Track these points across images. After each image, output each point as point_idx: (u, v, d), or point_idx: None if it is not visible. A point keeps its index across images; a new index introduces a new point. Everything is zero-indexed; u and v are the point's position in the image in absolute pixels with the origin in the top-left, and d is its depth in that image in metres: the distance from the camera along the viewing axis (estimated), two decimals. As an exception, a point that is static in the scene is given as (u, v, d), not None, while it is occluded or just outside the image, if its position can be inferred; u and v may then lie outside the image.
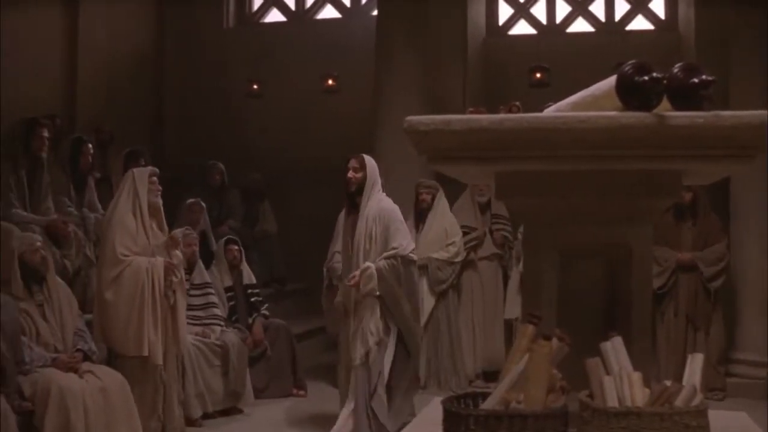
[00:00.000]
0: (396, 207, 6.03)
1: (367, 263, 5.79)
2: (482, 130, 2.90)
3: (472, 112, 3.83)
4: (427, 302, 7.72)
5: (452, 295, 7.87)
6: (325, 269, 7.68)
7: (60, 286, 5.72)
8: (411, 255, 5.93)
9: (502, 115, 3.07)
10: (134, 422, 5.52)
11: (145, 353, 5.73)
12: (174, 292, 5.94)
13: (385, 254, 5.78)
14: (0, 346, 5.00)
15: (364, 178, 5.90)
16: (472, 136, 2.90)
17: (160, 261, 5.85)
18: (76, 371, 5.33)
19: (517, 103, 8.28)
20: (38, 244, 5.64)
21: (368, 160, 5.99)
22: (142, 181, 5.96)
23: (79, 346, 5.53)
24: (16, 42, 9.20)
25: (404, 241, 5.88)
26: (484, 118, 2.96)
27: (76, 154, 7.15)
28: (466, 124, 2.92)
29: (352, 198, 5.99)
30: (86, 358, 5.52)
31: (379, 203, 5.90)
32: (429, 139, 2.93)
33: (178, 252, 6.10)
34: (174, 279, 5.91)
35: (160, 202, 6.08)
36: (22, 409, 5.01)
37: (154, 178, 6.09)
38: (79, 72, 10.27)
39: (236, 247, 7.54)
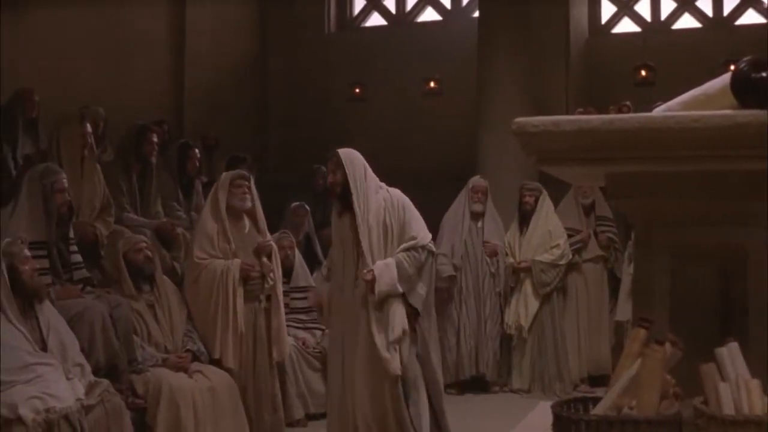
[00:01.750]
0: (401, 192, 5.39)
1: (379, 262, 5.07)
2: (592, 130, 2.85)
3: (581, 113, 3.72)
4: (531, 305, 7.65)
5: (557, 297, 7.75)
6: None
7: (169, 288, 5.87)
8: (431, 245, 5.29)
9: (612, 116, 3.01)
10: (241, 421, 5.61)
11: (216, 356, 5.74)
12: (268, 297, 5.95)
13: (404, 245, 5.13)
14: (114, 345, 5.17)
15: (344, 176, 5.17)
16: (581, 137, 2.86)
17: (236, 263, 5.79)
18: (185, 371, 5.46)
19: (627, 103, 8.15)
20: (142, 244, 5.79)
21: (344, 155, 5.26)
22: (223, 186, 5.97)
23: (188, 347, 5.65)
24: (126, 52, 9.50)
25: (422, 231, 5.25)
26: (594, 118, 2.92)
27: (182, 159, 7.31)
28: (576, 125, 2.87)
29: (344, 199, 5.23)
30: (195, 358, 5.64)
31: (386, 193, 5.30)
32: (538, 141, 2.90)
33: (266, 260, 5.96)
34: (266, 284, 5.90)
35: (248, 205, 5.99)
36: (135, 407, 5.17)
37: (240, 182, 6.00)
38: (186, 79, 10.54)
39: None
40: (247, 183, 6.02)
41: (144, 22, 9.88)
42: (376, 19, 12.39)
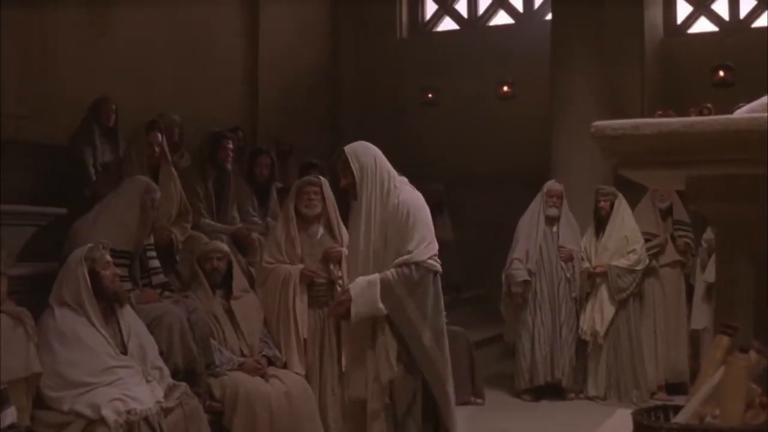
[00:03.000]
0: (419, 196, 4.72)
1: (361, 278, 4.47)
2: (673, 133, 2.80)
3: (660, 115, 3.63)
4: (607, 311, 7.55)
5: (633, 303, 7.63)
6: (503, 276, 7.67)
7: (246, 293, 5.93)
8: (431, 262, 4.48)
9: (693, 118, 2.95)
10: (317, 426, 5.64)
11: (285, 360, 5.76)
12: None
13: (397, 260, 4.43)
14: (192, 349, 5.25)
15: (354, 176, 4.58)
16: (662, 140, 2.81)
17: (297, 268, 5.79)
18: (262, 375, 5.51)
19: (709, 105, 7.96)
20: (213, 254, 5.83)
21: (350, 152, 4.63)
22: (292, 193, 6.00)
23: (264, 352, 5.70)
24: (202, 59, 9.65)
25: (422, 244, 4.46)
26: (675, 121, 2.86)
27: (252, 165, 7.35)
28: (656, 128, 2.82)
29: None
30: (270, 363, 5.69)
31: (396, 198, 4.57)
32: (618, 144, 2.85)
33: (333, 266, 5.87)
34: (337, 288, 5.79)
35: (316, 211, 5.90)
36: (212, 409, 5.24)
37: (308, 188, 5.93)
38: (260, 86, 10.66)
39: None
40: (315, 189, 5.94)
41: (218, 30, 10.03)
42: (448, 24, 12.39)
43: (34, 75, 7.57)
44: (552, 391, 7.65)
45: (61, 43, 7.96)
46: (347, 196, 4.80)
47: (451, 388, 4.56)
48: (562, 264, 7.65)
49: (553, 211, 7.74)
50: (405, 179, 4.76)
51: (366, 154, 4.63)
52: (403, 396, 4.42)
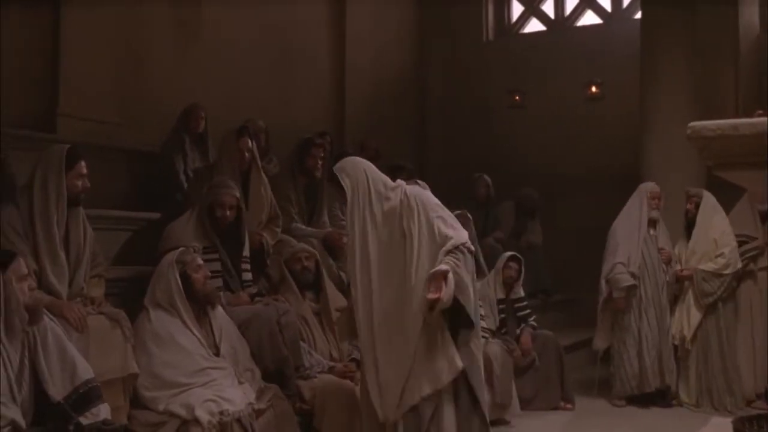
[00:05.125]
0: (425, 187, 4.84)
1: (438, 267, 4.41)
2: (774, 133, 2.74)
3: (760, 115, 3.53)
4: (694, 315, 7.36)
5: (723, 308, 7.38)
6: (603, 280, 7.53)
7: (336, 296, 5.98)
8: (468, 245, 4.60)
9: (796, 118, 2.88)
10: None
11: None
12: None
13: (445, 248, 4.47)
14: (282, 351, 5.31)
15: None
16: (762, 141, 2.74)
17: None
18: (351, 379, 5.53)
19: (776, 107, 7.73)
20: (301, 254, 5.92)
21: (337, 170, 4.70)
22: None
23: (353, 356, 5.73)
24: (290, 65, 9.77)
25: (452, 228, 4.58)
26: (776, 120, 2.79)
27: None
28: (756, 128, 2.76)
29: None
30: (359, 367, 5.71)
31: (403, 194, 4.64)
32: (715, 145, 2.79)
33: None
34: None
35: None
36: (302, 411, 5.28)
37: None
38: (347, 91, 10.72)
39: (516, 266, 7.42)
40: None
41: (305, 35, 10.11)
42: (534, 25, 12.28)
43: (128, 82, 7.74)
44: (643, 397, 7.50)
45: (153, 51, 8.11)
46: None
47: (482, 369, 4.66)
48: (664, 267, 7.50)
49: (655, 214, 7.61)
50: (402, 182, 4.81)
51: (355, 169, 4.68)
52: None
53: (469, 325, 4.51)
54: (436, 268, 4.38)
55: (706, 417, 6.83)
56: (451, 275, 4.36)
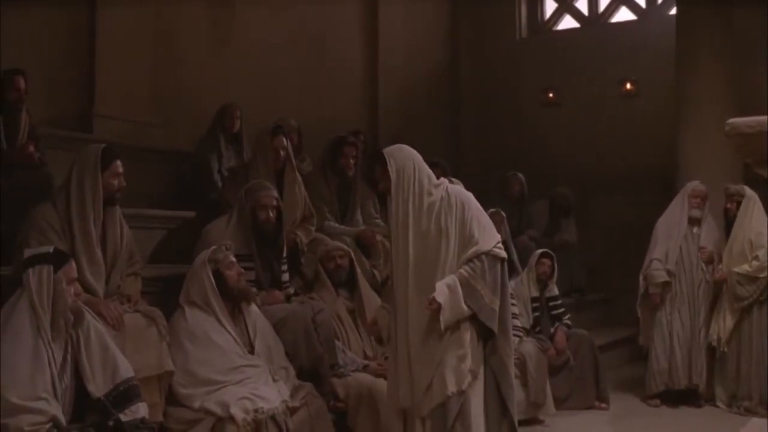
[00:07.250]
0: (464, 189, 4.70)
1: (440, 284, 4.36)
2: (815, 130, 2.69)
3: (799, 111, 3.42)
4: (729, 318, 7.22)
5: (758, 311, 7.17)
6: (641, 276, 7.51)
7: (370, 295, 5.98)
8: (496, 250, 4.47)
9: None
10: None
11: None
12: None
13: (466, 255, 4.41)
14: (317, 349, 5.33)
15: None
16: (802, 137, 2.70)
17: None
18: (385, 378, 5.52)
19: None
20: (335, 252, 5.93)
21: (389, 155, 4.51)
22: None
23: (386, 355, 5.73)
24: (323, 63, 9.79)
25: (484, 233, 4.47)
26: (817, 116, 2.75)
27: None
28: (796, 124, 2.72)
29: None
30: (391, 365, 5.72)
31: (444, 191, 4.52)
32: (754, 142, 2.76)
33: None
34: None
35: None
36: (337, 409, 5.30)
37: None
38: (380, 89, 10.71)
39: (549, 262, 7.42)
40: None
41: (338, 34, 10.12)
42: (568, 22, 12.21)
43: (163, 82, 7.79)
44: (677, 396, 7.43)
45: (188, 51, 8.16)
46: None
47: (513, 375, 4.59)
48: (703, 266, 7.42)
49: (696, 213, 7.54)
50: (445, 180, 4.70)
51: (404, 157, 4.53)
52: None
53: (491, 333, 4.44)
54: (444, 282, 4.37)
55: (743, 418, 6.75)
56: (456, 286, 4.34)
